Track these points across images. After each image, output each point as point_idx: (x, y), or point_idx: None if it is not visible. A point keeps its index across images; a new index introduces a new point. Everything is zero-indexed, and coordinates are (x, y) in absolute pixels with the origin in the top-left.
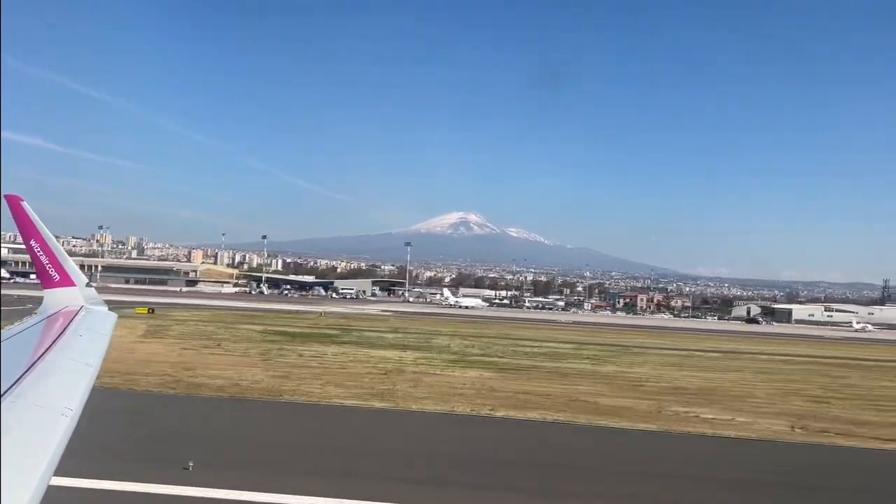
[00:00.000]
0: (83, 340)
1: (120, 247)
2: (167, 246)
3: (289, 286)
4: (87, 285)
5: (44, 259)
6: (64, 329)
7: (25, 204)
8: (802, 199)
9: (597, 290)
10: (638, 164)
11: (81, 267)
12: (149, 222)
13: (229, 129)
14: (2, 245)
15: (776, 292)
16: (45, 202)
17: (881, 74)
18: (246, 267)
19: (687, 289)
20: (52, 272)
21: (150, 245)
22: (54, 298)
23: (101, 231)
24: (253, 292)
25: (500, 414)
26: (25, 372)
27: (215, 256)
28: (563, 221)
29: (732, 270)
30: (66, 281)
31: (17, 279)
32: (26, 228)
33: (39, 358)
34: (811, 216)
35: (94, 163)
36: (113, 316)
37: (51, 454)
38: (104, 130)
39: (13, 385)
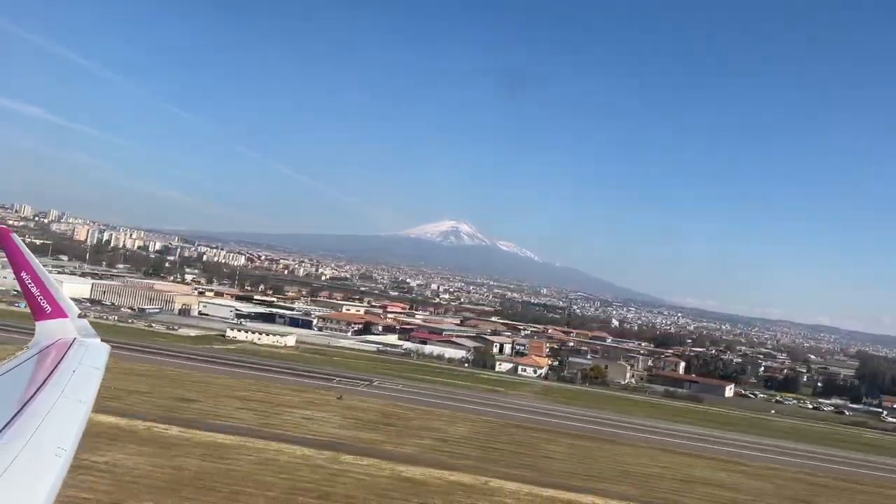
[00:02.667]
0: (76, 375)
1: (39, 219)
2: (88, 222)
3: None
4: (80, 316)
5: (35, 291)
6: (57, 364)
7: (14, 236)
8: (793, 238)
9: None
10: (632, 188)
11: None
12: (125, 199)
13: (222, 113)
14: None
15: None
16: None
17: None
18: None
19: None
20: (44, 304)
21: (72, 220)
22: (46, 330)
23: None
24: None
25: None
26: (18, 412)
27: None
28: (554, 240)
29: (720, 303)
30: (59, 313)
31: None
32: (16, 260)
33: (32, 396)
34: (798, 255)
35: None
36: (106, 348)
37: (44, 497)
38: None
39: (6, 426)
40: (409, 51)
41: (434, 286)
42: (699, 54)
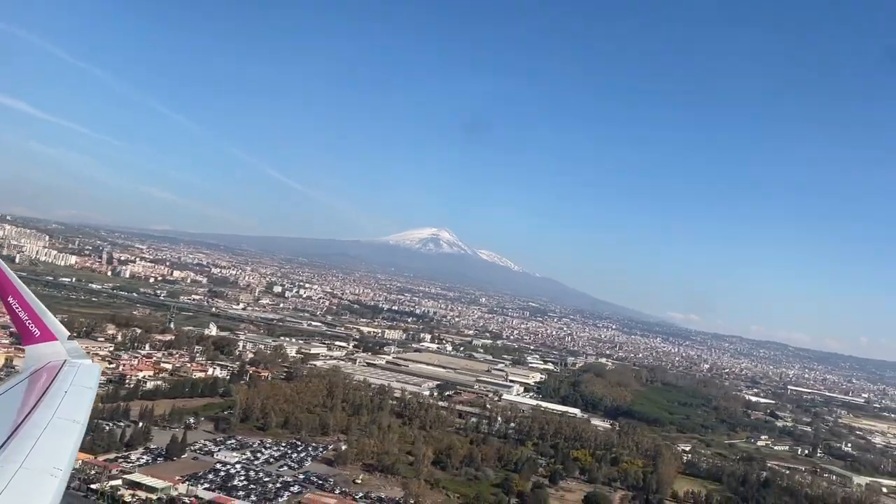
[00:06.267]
0: (69, 396)
1: None
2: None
3: None
4: (69, 338)
5: (23, 315)
6: (48, 386)
7: (0, 262)
8: (783, 256)
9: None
10: (617, 201)
11: None
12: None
13: (211, 114)
14: None
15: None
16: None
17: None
18: None
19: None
20: (33, 328)
21: None
22: (36, 354)
23: None
24: None
25: None
26: (11, 434)
27: None
28: (536, 250)
29: (704, 320)
30: (47, 336)
31: None
32: (3, 285)
33: (25, 418)
34: (787, 274)
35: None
36: (97, 368)
37: None
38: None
39: (0, 447)
40: (395, 54)
41: (299, 288)
42: (679, 65)
